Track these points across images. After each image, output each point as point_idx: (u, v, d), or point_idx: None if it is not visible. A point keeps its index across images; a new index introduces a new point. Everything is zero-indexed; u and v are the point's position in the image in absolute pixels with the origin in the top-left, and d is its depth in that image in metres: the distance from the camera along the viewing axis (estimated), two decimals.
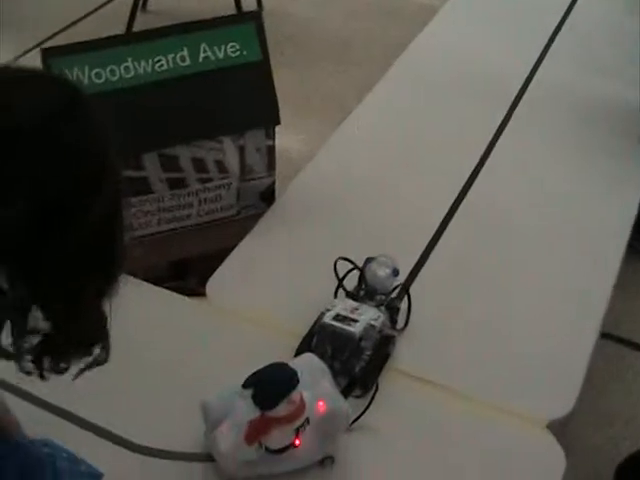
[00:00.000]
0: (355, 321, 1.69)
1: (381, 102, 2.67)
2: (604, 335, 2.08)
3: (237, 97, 2.10)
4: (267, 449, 1.45)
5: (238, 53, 2.09)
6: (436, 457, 1.59)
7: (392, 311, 1.79)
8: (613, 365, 2.53)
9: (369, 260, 1.85)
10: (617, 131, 2.57)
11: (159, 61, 2.02)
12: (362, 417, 1.59)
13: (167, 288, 1.98)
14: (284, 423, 1.44)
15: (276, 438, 1.45)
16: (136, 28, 3.81)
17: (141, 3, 4.11)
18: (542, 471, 1.59)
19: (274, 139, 2.19)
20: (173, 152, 2.07)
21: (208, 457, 1.52)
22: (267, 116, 2.16)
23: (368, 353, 1.68)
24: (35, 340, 1.01)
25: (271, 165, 2.22)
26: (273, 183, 2.26)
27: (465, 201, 2.24)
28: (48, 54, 1.94)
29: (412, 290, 1.89)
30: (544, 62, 2.87)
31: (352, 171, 2.36)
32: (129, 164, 1.99)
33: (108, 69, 1.96)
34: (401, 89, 2.74)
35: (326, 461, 1.52)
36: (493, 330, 1.88)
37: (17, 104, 0.91)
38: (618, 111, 2.66)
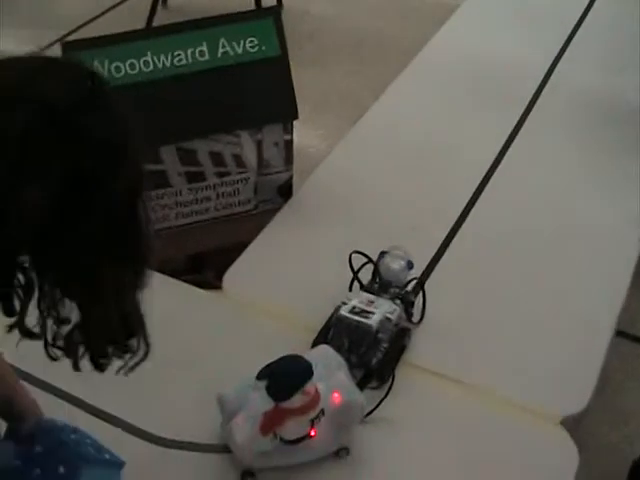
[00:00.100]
0: (371, 314, 1.70)
1: (397, 100, 2.68)
2: (619, 333, 2.07)
3: (255, 92, 2.11)
4: (282, 440, 1.46)
5: (257, 48, 2.10)
6: (450, 451, 1.60)
7: (407, 304, 1.80)
8: (628, 364, 2.52)
9: (383, 253, 1.86)
10: (638, 131, 2.56)
11: (178, 55, 2.03)
12: (377, 409, 1.60)
13: (184, 281, 2.00)
14: (298, 414, 1.44)
15: (291, 429, 1.45)
16: (156, 24, 3.83)
17: None
18: (555, 467, 1.59)
19: (292, 134, 2.19)
20: (191, 146, 2.08)
21: (225, 448, 1.53)
22: (285, 111, 2.16)
23: (385, 345, 1.69)
24: (66, 328, 1.03)
25: (289, 160, 2.23)
26: (290, 178, 2.27)
27: (480, 199, 2.25)
28: (68, 48, 1.96)
29: (427, 286, 1.90)
30: (561, 62, 2.87)
31: (368, 167, 2.37)
32: (147, 158, 2.00)
33: (128, 63, 1.98)
34: (417, 88, 2.75)
35: (341, 452, 1.53)
36: (508, 326, 1.89)
37: (44, 90, 0.93)
38: (636, 111, 2.65)
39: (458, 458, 1.59)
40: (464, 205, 2.22)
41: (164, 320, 1.79)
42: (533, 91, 2.71)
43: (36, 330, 1.05)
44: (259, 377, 1.45)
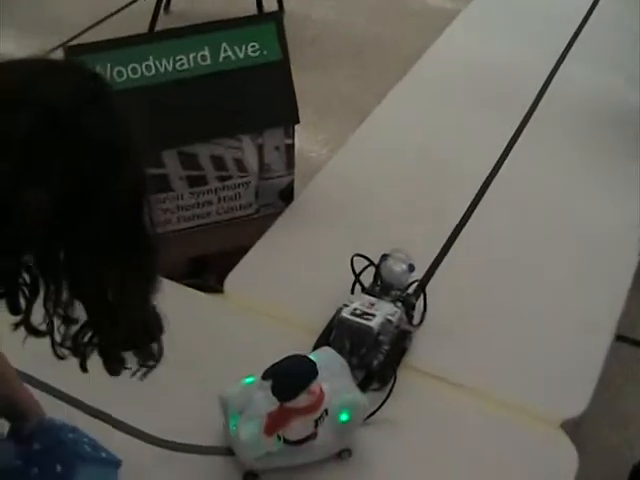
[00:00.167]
0: (373, 316, 1.70)
1: (398, 106, 2.68)
2: (619, 337, 2.08)
3: (257, 96, 2.12)
4: (286, 441, 1.46)
5: (258, 53, 2.10)
6: (450, 453, 1.60)
7: (408, 307, 1.81)
8: (628, 368, 2.53)
9: (385, 256, 1.87)
10: (638, 132, 2.57)
11: (180, 60, 2.04)
12: (379, 411, 1.61)
13: (186, 285, 2.00)
14: (304, 414, 1.45)
15: (295, 429, 1.46)
16: (158, 29, 3.84)
17: (164, 4, 4.13)
18: (555, 470, 1.59)
19: (293, 138, 2.20)
20: (193, 150, 2.09)
21: (227, 451, 1.54)
22: (286, 115, 2.17)
23: (386, 347, 1.70)
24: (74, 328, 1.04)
25: (290, 164, 2.24)
26: (292, 182, 2.28)
27: (481, 203, 2.25)
28: (71, 52, 1.97)
29: (428, 289, 1.91)
30: (562, 66, 2.88)
31: (370, 172, 2.37)
32: (149, 161, 2.00)
33: (130, 67, 1.99)
34: (418, 93, 2.75)
35: (343, 453, 1.54)
36: (508, 329, 1.89)
37: (46, 93, 0.94)
38: (636, 112, 2.66)
39: (459, 460, 1.59)
40: (465, 209, 2.22)
41: (166, 324, 1.81)
42: (534, 96, 2.72)
43: (42, 328, 1.05)
44: (264, 377, 1.45)
